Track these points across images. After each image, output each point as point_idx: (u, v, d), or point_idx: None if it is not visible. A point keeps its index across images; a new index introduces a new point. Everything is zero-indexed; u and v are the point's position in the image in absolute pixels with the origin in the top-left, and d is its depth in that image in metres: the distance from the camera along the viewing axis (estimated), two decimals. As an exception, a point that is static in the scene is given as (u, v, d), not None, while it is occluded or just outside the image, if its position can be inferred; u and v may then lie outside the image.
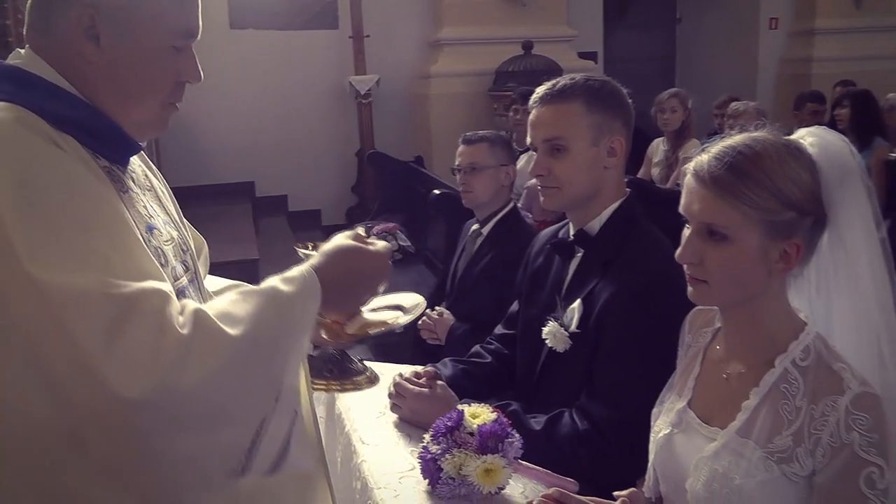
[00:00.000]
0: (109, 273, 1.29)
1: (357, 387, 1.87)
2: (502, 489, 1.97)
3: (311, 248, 1.75)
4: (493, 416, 1.98)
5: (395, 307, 1.91)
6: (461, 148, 3.86)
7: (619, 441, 2.16)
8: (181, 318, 1.32)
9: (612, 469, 2.14)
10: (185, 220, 1.84)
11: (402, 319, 1.85)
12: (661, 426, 1.85)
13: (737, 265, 1.62)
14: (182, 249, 1.70)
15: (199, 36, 1.57)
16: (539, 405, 2.37)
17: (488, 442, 1.92)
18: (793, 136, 1.69)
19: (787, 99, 8.90)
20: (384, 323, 1.84)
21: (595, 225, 2.37)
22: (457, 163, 3.86)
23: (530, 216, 4.74)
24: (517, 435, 1.97)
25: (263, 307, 1.43)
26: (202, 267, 1.87)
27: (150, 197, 1.68)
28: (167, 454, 1.28)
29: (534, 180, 2.67)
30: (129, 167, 1.63)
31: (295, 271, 1.52)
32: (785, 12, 11.82)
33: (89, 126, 1.49)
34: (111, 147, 1.55)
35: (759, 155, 1.60)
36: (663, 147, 6.84)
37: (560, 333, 2.29)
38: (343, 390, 1.92)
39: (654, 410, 1.90)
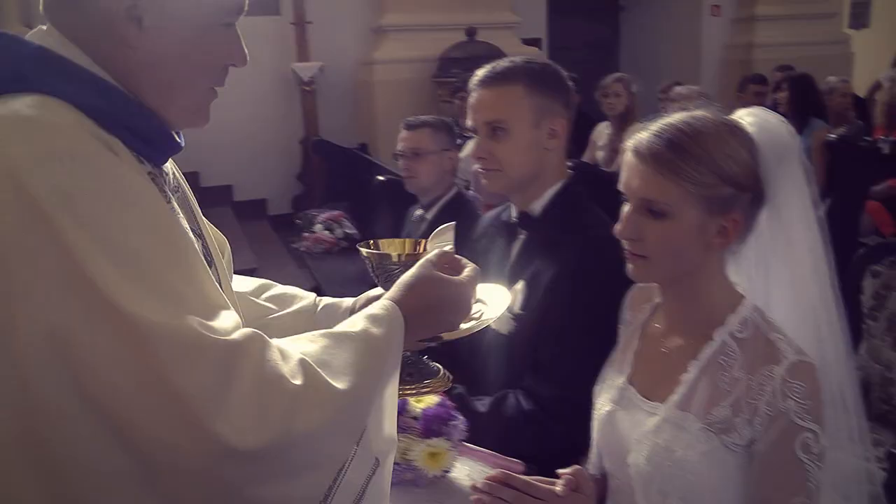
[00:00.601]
0: (199, 312, 1.19)
1: (434, 389, 1.75)
2: (448, 472, 1.97)
3: (371, 245, 1.71)
4: (437, 399, 1.97)
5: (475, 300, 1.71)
6: (403, 133, 3.85)
7: (565, 420, 2.17)
8: (287, 367, 1.23)
9: (558, 448, 2.14)
10: (204, 218, 1.66)
11: (487, 314, 1.68)
12: (602, 403, 1.86)
13: (676, 240, 1.64)
14: (206, 261, 1.48)
15: (245, 11, 1.41)
16: (485, 387, 2.37)
17: (432, 426, 1.91)
18: (732, 116, 1.71)
19: (730, 84, 9.04)
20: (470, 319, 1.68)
21: (537, 206, 2.37)
22: (399, 148, 3.85)
23: (480, 198, 4.74)
24: (461, 417, 1.97)
25: (362, 356, 1.33)
26: (228, 271, 1.70)
27: (179, 200, 1.50)
28: (254, 501, 1.21)
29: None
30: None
31: (380, 309, 1.41)
32: (726, 0, 11.96)
33: (135, 125, 1.32)
34: (156, 148, 1.39)
35: (699, 131, 1.62)
36: (607, 131, 6.90)
37: (504, 315, 2.28)
38: (419, 394, 1.78)
39: (596, 388, 1.92)
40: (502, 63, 2.36)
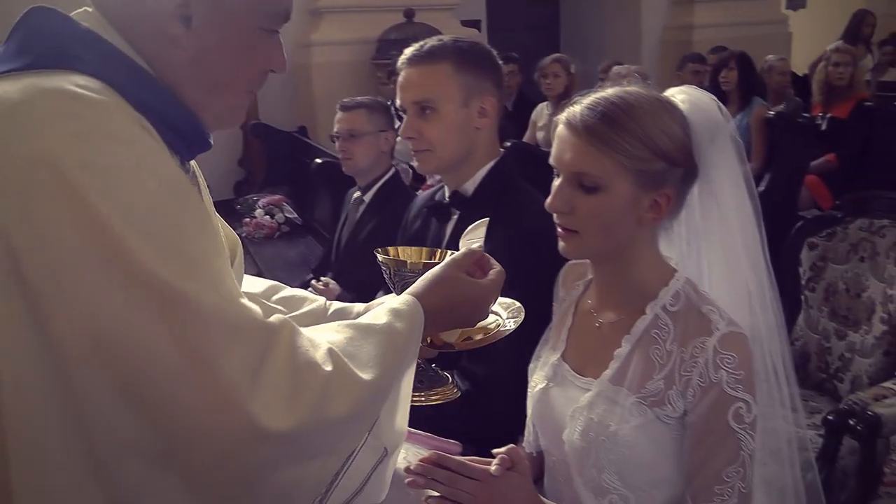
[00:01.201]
0: (237, 295, 1.22)
1: (443, 397, 1.75)
2: (383, 455, 1.94)
3: (391, 254, 1.73)
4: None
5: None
6: (339, 115, 3.81)
7: (500, 399, 2.16)
8: (318, 354, 1.26)
9: (496, 428, 2.14)
10: (218, 216, 1.64)
11: (508, 325, 1.73)
12: (537, 381, 1.87)
13: (608, 214, 1.64)
14: None
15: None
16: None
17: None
18: (664, 94, 1.72)
19: (670, 64, 9.09)
20: (486, 329, 1.74)
21: (469, 186, 2.36)
22: (335, 130, 3.82)
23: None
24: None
25: (386, 350, 1.36)
26: (239, 270, 1.67)
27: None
28: (270, 484, 1.22)
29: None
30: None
31: (403, 304, 1.45)
32: (666, -20, 12.06)
33: (172, 119, 1.30)
34: (189, 144, 1.38)
35: (632, 105, 1.62)
36: (547, 111, 6.95)
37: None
38: (428, 402, 1.75)
39: (531, 366, 1.92)
40: (430, 42, 2.34)
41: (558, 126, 1.70)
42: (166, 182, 1.19)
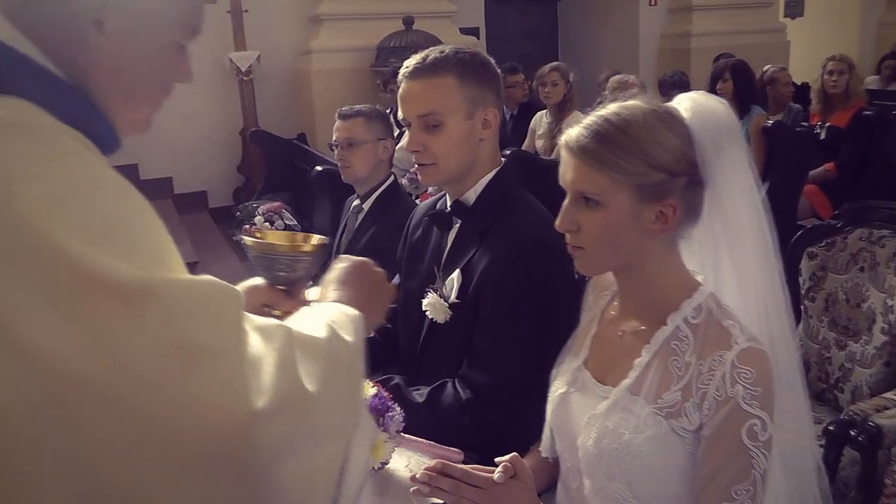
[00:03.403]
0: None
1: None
2: (386, 464, 1.95)
3: (259, 234, 1.81)
4: (374, 390, 1.95)
5: None
6: (338, 123, 3.80)
7: (501, 407, 2.17)
8: (270, 325, 1.23)
9: (496, 436, 2.15)
10: None
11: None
12: (557, 386, 1.87)
13: (610, 229, 1.65)
14: None
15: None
16: (423, 377, 2.36)
17: (369, 417, 1.89)
18: (671, 102, 1.72)
19: (667, 72, 9.07)
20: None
21: (471, 195, 2.35)
22: (334, 138, 3.81)
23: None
24: (398, 409, 1.95)
25: (330, 315, 1.39)
26: None
27: None
28: (280, 476, 1.14)
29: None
30: None
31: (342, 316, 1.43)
32: (664, -11, 12.09)
33: (87, 125, 1.26)
34: (105, 148, 1.33)
35: (626, 121, 1.63)
36: (546, 119, 6.93)
37: (440, 304, 2.28)
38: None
39: (553, 371, 1.92)
40: (432, 53, 2.31)
41: (561, 148, 1.72)
42: (112, 190, 1.18)
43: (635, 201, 1.62)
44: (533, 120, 7.13)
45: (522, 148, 6.79)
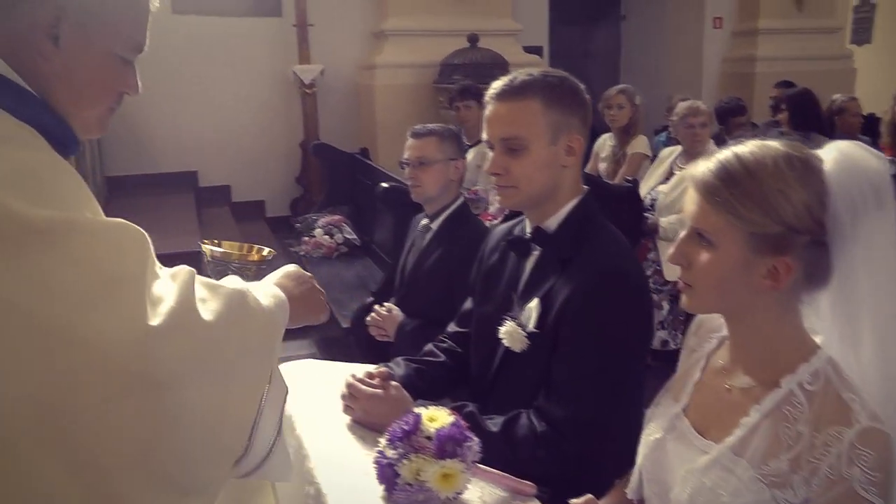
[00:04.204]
0: None
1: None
2: (460, 494, 1.92)
3: (216, 242, 2.04)
4: (451, 419, 1.92)
5: None
6: (410, 141, 3.79)
7: (578, 441, 2.12)
8: (177, 269, 1.49)
9: (571, 470, 2.11)
10: None
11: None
12: (653, 429, 1.80)
13: (718, 273, 1.58)
14: None
15: (143, 52, 1.63)
16: (494, 405, 2.33)
17: (446, 446, 1.87)
18: (819, 150, 1.58)
19: (724, 98, 8.96)
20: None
21: (552, 223, 2.32)
22: (405, 156, 3.80)
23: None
24: (475, 439, 1.92)
25: (253, 284, 1.67)
26: None
27: None
28: (186, 410, 1.36)
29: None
30: None
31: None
32: (729, 12, 11.97)
33: (44, 123, 1.48)
34: (64, 147, 1.54)
35: (756, 163, 1.54)
36: (610, 143, 6.84)
37: (517, 333, 2.24)
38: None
39: (648, 412, 1.86)
40: (520, 76, 2.28)
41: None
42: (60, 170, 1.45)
43: (747, 250, 1.54)
44: (596, 143, 7.05)
45: (585, 171, 6.74)
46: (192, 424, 1.38)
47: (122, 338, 1.28)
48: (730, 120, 7.51)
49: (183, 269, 1.47)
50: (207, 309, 1.44)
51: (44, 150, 1.45)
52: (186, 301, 1.40)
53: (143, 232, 1.44)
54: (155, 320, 1.32)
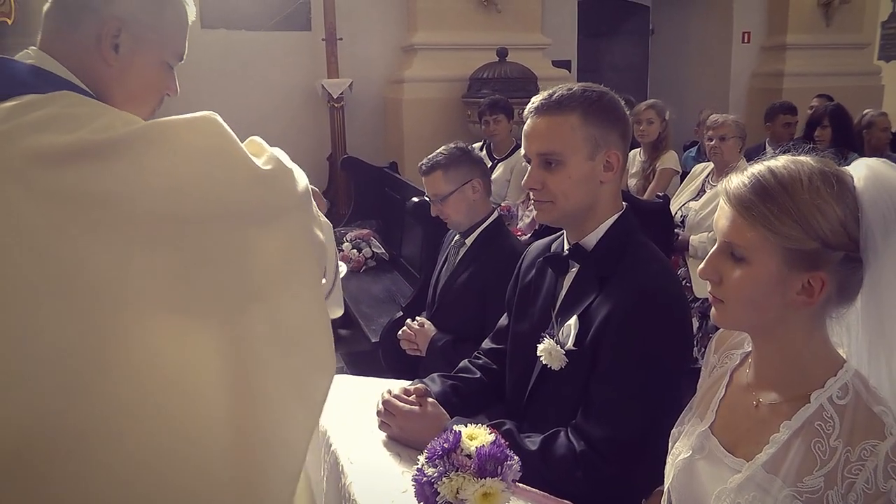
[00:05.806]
0: None
1: None
2: (500, 513, 1.90)
3: None
4: (492, 437, 1.90)
5: None
6: (423, 179, 3.81)
7: (617, 462, 2.10)
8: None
9: (609, 491, 2.09)
10: None
11: None
12: (680, 449, 1.78)
13: (751, 288, 1.56)
14: None
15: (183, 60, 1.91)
16: (530, 422, 2.31)
17: (487, 465, 1.85)
18: (849, 166, 1.58)
19: (758, 112, 8.90)
20: None
21: (591, 240, 2.30)
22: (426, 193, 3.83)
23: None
24: (516, 457, 1.90)
25: None
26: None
27: None
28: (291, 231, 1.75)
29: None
30: None
31: None
32: (757, 27, 11.89)
33: None
34: None
35: (791, 178, 1.53)
36: (640, 158, 6.81)
37: (556, 351, 2.22)
38: None
39: (674, 431, 1.84)
40: (559, 91, 2.27)
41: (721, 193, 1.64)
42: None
43: (782, 265, 1.53)
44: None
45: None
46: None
47: (244, 175, 1.67)
48: (779, 116, 7.42)
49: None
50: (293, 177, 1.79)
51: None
52: (281, 165, 1.75)
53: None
54: (263, 168, 1.70)
